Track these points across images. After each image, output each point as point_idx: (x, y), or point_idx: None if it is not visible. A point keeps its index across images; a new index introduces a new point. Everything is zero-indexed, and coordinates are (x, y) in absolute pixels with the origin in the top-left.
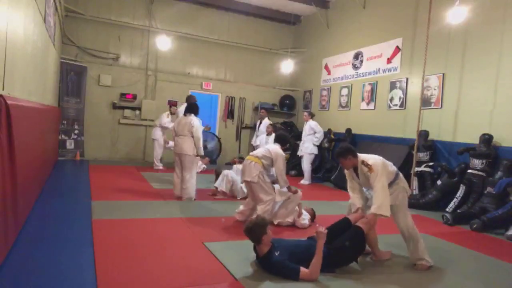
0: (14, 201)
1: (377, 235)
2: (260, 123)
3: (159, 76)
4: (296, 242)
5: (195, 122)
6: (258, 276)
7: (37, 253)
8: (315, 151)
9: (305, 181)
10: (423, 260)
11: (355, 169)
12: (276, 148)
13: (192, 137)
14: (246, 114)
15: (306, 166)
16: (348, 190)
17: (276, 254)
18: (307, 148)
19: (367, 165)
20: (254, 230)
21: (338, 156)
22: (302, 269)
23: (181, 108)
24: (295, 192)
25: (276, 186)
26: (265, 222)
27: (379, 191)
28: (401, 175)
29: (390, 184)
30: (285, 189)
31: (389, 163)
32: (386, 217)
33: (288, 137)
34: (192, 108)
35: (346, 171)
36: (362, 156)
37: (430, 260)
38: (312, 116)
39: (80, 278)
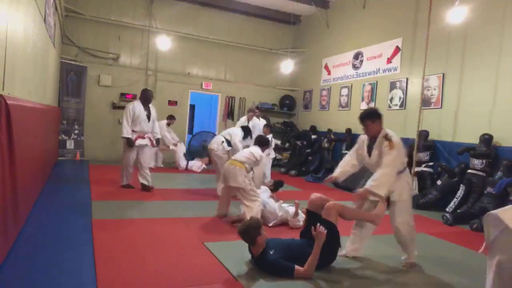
0: (14, 201)
1: (373, 231)
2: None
3: (159, 76)
4: (289, 241)
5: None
6: (257, 276)
7: (37, 253)
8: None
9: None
10: (412, 257)
11: (370, 143)
12: (259, 151)
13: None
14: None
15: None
16: (344, 159)
17: (271, 253)
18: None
19: (389, 139)
20: (248, 232)
21: (366, 117)
22: (297, 267)
23: (135, 103)
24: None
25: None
26: (259, 223)
27: (386, 169)
28: (407, 167)
29: (398, 174)
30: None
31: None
32: (377, 198)
33: (267, 138)
34: (246, 131)
35: (359, 141)
36: (387, 130)
37: (414, 259)
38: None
39: (80, 278)
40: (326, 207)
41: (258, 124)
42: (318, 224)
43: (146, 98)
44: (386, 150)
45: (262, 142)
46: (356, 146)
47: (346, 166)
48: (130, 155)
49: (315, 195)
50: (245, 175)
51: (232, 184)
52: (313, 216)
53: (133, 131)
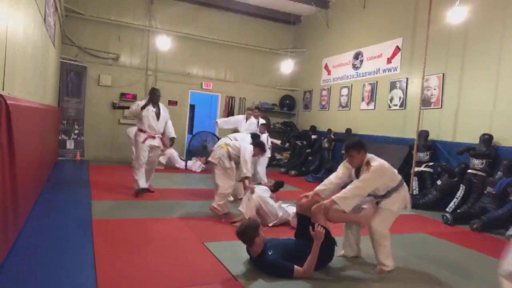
0: (14, 201)
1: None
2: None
3: (159, 76)
4: (288, 240)
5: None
6: (257, 275)
7: (37, 253)
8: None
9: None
10: (382, 264)
11: (357, 168)
12: (247, 144)
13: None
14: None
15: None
16: (332, 175)
17: (269, 253)
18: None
19: (368, 164)
20: (246, 232)
21: (351, 149)
22: (296, 267)
23: (141, 102)
24: (251, 190)
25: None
26: (256, 224)
27: (356, 186)
28: (405, 185)
29: (391, 192)
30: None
31: (394, 171)
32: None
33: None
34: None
35: (343, 165)
36: (369, 155)
37: (391, 265)
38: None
39: (80, 278)
40: (312, 212)
41: (255, 124)
42: (317, 224)
43: (152, 97)
44: (364, 171)
45: (258, 145)
46: (343, 168)
47: (329, 185)
48: (143, 154)
49: (305, 199)
50: (223, 154)
51: (209, 159)
52: (304, 220)
53: (141, 130)
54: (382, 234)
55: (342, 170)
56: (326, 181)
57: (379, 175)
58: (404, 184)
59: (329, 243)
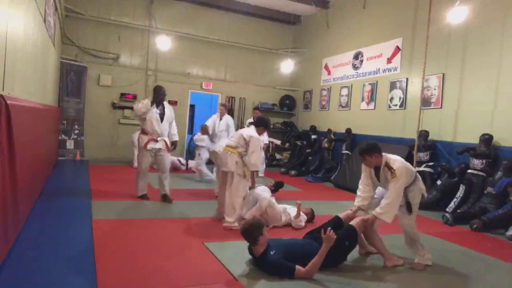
0: (14, 201)
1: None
2: (221, 119)
3: (159, 76)
4: (291, 241)
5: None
6: (257, 275)
7: (37, 253)
8: None
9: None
10: (422, 256)
11: (376, 169)
12: (251, 131)
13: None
14: (246, 114)
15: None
16: (360, 184)
17: (271, 253)
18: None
19: (390, 168)
20: (250, 231)
21: (363, 152)
22: (298, 267)
23: (146, 101)
24: (252, 185)
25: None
26: (261, 223)
27: (391, 199)
28: (418, 175)
29: (409, 186)
30: (291, 210)
31: (409, 165)
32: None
33: (268, 120)
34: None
35: (364, 167)
36: (386, 156)
37: (430, 256)
38: (228, 110)
39: (80, 278)
40: (356, 221)
41: (227, 122)
42: (329, 228)
43: (155, 95)
44: (390, 179)
45: (257, 123)
46: (364, 173)
47: (365, 196)
48: (144, 160)
49: (349, 211)
50: (236, 160)
51: (223, 169)
52: (336, 222)
53: (145, 132)
54: (414, 228)
55: (364, 174)
56: (359, 193)
57: (405, 176)
58: (418, 174)
59: (344, 249)
